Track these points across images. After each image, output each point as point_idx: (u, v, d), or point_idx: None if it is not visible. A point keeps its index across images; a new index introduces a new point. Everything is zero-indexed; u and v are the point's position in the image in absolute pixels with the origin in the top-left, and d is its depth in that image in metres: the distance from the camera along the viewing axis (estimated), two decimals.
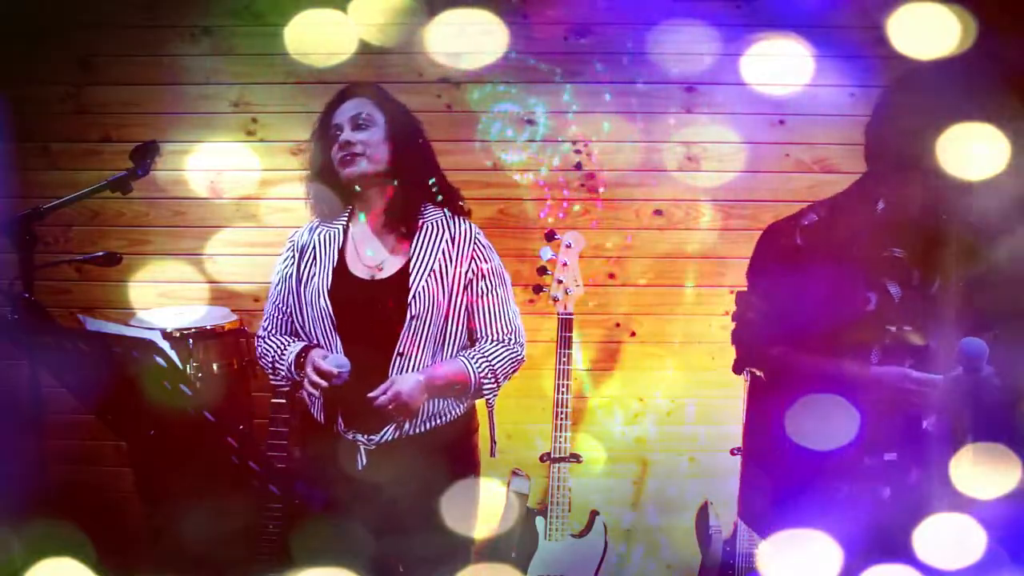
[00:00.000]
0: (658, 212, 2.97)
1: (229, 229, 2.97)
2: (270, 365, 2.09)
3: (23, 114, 2.88)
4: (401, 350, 1.95)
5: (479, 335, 2.05)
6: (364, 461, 1.97)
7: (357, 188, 2.01)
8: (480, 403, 2.10)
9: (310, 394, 1.95)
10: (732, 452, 2.70)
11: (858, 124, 1.80)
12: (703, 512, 2.78)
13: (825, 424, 1.71)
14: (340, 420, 1.99)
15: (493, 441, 2.12)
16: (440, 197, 2.06)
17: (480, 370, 1.98)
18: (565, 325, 2.55)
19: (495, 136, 2.93)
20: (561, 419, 2.58)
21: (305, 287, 2.01)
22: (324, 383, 1.88)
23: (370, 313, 1.96)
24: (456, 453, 2.06)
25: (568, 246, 2.53)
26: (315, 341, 2.00)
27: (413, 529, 1.97)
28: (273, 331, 2.11)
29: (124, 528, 2.91)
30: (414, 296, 1.95)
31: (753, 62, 2.84)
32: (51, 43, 2.86)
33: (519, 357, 2.07)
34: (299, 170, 2.43)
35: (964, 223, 1.69)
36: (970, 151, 1.61)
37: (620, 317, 3.02)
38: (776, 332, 1.81)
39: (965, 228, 1.69)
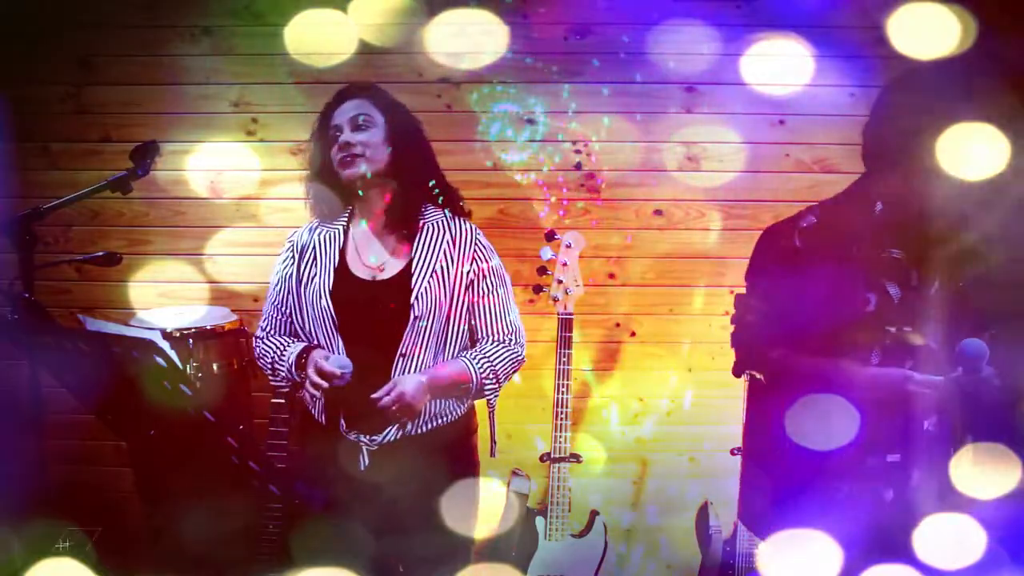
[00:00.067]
0: (658, 212, 2.97)
1: (229, 229, 2.97)
2: (269, 366, 2.08)
3: (23, 114, 2.88)
4: (404, 351, 1.95)
5: (480, 335, 2.05)
6: (366, 462, 1.97)
7: (360, 192, 2.01)
8: (480, 403, 2.10)
9: (311, 395, 1.95)
10: (732, 452, 2.70)
11: (858, 124, 1.80)
12: (703, 512, 2.77)
13: (825, 424, 1.71)
14: (342, 421, 1.99)
15: (493, 441, 2.12)
16: (440, 198, 2.06)
17: (482, 371, 1.98)
18: (565, 325, 2.55)
19: (495, 136, 2.92)
20: (561, 419, 2.58)
21: (306, 288, 2.01)
22: (326, 384, 1.87)
23: (372, 314, 1.96)
24: (456, 453, 2.06)
25: (568, 246, 2.53)
26: (316, 342, 1.99)
27: (413, 529, 1.97)
28: (272, 331, 2.11)
29: (124, 528, 2.90)
30: (417, 297, 1.94)
31: (753, 62, 2.84)
32: (51, 43, 2.86)
33: (520, 357, 2.07)
34: (299, 170, 2.42)
35: (963, 223, 1.69)
36: (969, 151, 1.60)
37: (620, 317, 3.02)
38: (776, 334, 1.80)
39: (964, 228, 1.69)
